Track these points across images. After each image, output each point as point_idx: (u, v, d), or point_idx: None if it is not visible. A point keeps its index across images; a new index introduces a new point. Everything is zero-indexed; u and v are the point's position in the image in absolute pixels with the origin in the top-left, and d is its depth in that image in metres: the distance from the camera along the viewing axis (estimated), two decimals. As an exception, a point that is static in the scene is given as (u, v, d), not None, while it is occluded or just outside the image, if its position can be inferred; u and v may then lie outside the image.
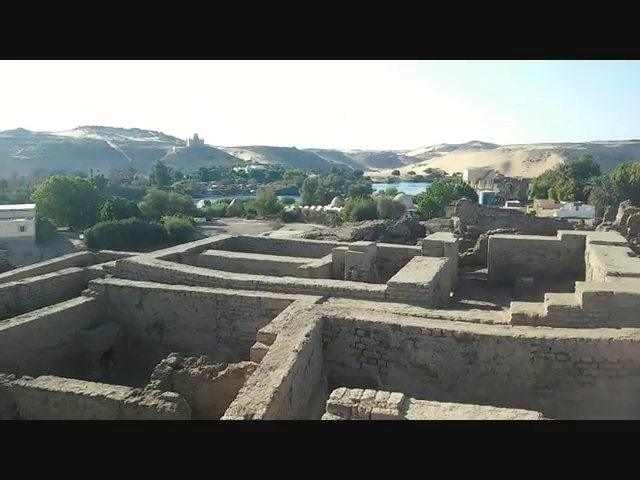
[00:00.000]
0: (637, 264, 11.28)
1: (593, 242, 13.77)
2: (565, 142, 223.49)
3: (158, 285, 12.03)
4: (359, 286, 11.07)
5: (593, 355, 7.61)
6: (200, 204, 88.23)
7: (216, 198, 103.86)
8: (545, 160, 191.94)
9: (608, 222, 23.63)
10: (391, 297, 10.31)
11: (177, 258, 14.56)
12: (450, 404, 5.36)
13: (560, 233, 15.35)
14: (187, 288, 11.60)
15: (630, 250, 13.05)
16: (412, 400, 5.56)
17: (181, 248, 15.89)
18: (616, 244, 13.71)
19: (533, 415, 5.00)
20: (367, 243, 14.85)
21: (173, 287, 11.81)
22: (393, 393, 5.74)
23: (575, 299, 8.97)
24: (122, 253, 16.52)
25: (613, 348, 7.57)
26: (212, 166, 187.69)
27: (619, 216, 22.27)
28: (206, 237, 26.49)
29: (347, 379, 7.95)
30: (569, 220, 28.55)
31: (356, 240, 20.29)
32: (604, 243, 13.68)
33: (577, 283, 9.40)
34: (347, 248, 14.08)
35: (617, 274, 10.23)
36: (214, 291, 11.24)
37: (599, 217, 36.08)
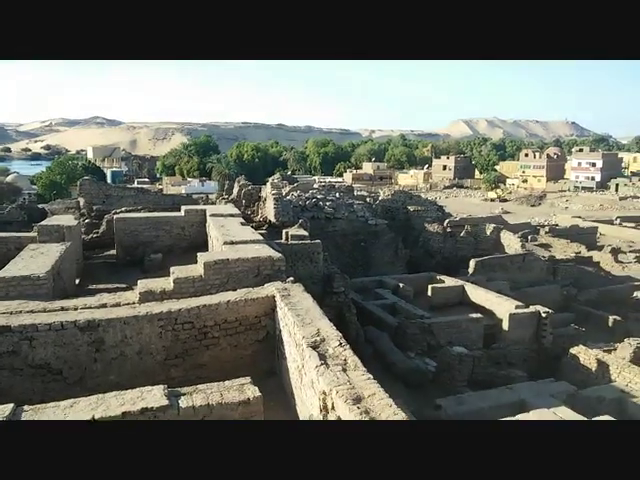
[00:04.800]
0: (247, 232, 12.88)
1: (212, 215, 15.02)
2: (187, 122, 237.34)
3: None
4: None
5: (215, 318, 8.34)
6: None
7: None
8: (170, 139, 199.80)
9: (226, 196, 26.11)
10: (1, 295, 8.83)
11: None
12: (71, 400, 4.95)
13: (183, 208, 16.16)
14: None
15: (242, 220, 14.82)
16: (25, 408, 4.90)
17: None
18: (232, 215, 15.35)
19: (158, 389, 5.08)
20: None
21: None
22: (1, 406, 4.94)
23: (198, 270, 9.59)
24: None
25: (231, 309, 8.47)
26: None
27: (235, 190, 24.89)
28: None
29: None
30: (195, 196, 30.52)
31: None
32: (222, 215, 15.11)
33: (199, 254, 10.07)
34: None
35: (232, 242, 11.43)
36: None
37: (220, 192, 39.67)
